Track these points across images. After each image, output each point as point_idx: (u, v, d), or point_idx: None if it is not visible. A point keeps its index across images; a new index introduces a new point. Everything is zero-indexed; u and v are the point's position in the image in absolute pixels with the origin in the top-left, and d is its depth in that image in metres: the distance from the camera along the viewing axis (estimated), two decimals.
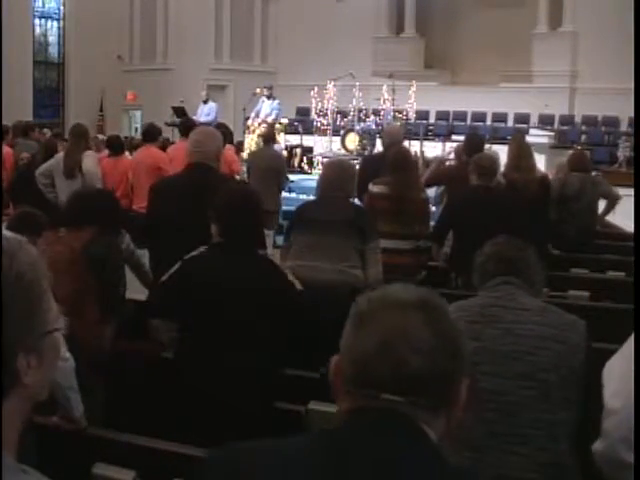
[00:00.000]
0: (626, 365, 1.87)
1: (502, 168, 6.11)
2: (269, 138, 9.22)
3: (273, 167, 8.27)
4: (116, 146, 7.91)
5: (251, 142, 13.85)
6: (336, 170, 4.42)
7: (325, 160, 7.49)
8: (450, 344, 1.18)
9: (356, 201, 6.33)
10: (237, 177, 8.03)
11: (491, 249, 2.64)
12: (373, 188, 5.38)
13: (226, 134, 8.45)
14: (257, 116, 14.39)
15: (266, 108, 14.39)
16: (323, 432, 1.25)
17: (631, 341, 1.94)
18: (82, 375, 2.81)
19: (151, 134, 7.97)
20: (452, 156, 7.11)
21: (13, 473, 1.06)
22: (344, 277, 4.01)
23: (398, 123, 14.81)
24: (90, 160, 6.65)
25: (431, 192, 6.61)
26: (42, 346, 1.10)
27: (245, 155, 11.60)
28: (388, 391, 1.15)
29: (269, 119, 14.04)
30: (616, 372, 1.92)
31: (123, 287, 3.73)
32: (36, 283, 1.10)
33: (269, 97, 14.54)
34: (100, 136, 11.10)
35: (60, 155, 6.85)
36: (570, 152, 7.84)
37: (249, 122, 14.32)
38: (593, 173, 7.27)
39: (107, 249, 3.49)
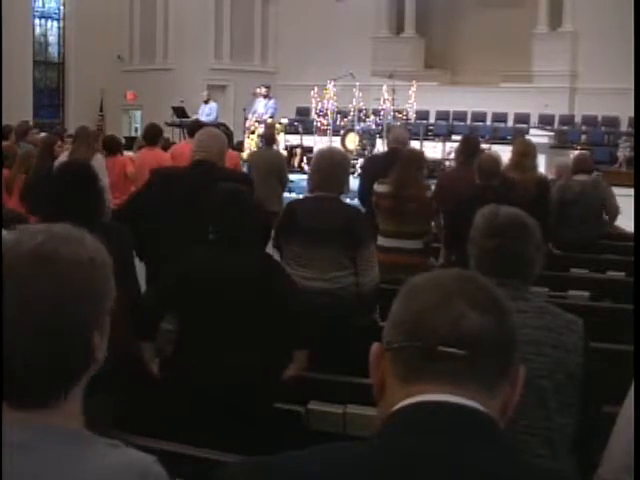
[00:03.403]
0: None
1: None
2: (270, 139, 9.23)
3: (275, 167, 8.28)
4: (112, 146, 7.90)
5: (251, 142, 13.87)
6: (327, 164, 4.14)
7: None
8: (505, 310, 1.13)
9: (350, 200, 6.34)
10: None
11: (489, 244, 2.38)
12: (378, 187, 5.35)
13: (226, 135, 8.45)
14: (254, 116, 14.42)
15: (261, 107, 14.40)
16: (377, 437, 1.07)
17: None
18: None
19: (152, 137, 7.93)
20: (452, 156, 7.11)
21: (100, 444, 1.14)
22: (335, 286, 3.96)
23: (399, 123, 14.82)
24: (98, 164, 6.69)
25: None
26: (106, 322, 1.19)
27: (245, 155, 11.61)
28: (445, 345, 1.06)
29: (264, 117, 14.07)
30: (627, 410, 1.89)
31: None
32: (106, 265, 1.18)
33: (265, 96, 14.55)
34: None
35: (64, 155, 6.89)
36: (571, 153, 7.89)
37: (247, 123, 14.34)
38: (595, 173, 7.25)
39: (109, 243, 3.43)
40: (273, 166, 8.26)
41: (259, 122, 13.75)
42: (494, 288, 1.15)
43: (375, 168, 6.62)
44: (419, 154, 5.85)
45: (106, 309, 1.18)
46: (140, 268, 4.11)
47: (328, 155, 4.30)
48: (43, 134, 10.62)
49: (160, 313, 3.27)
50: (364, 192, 6.39)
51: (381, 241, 5.31)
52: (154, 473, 1.17)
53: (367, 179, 6.49)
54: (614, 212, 6.74)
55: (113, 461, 1.13)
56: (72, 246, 1.14)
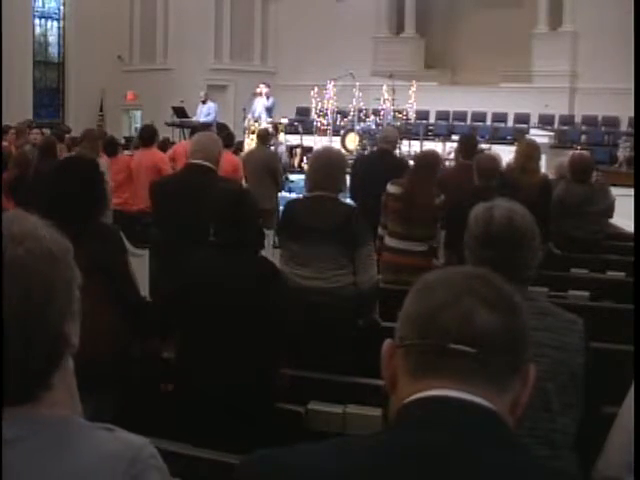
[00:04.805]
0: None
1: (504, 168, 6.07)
2: (264, 137, 9.25)
3: (268, 166, 8.31)
4: (112, 147, 7.91)
5: (251, 142, 13.86)
6: (324, 163, 4.14)
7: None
8: (516, 307, 1.13)
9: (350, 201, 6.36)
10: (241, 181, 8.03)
11: (484, 254, 2.32)
12: (391, 188, 5.35)
13: (228, 136, 8.47)
14: (253, 116, 14.43)
15: (260, 106, 14.39)
16: (378, 434, 1.09)
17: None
18: (91, 373, 2.78)
19: (148, 137, 7.95)
20: (452, 156, 7.11)
21: (90, 430, 1.15)
22: (334, 285, 3.97)
23: (398, 123, 14.81)
24: (102, 166, 6.69)
25: None
26: (77, 307, 1.19)
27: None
28: (456, 342, 1.07)
29: (263, 116, 14.06)
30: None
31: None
32: (67, 252, 1.18)
33: (265, 95, 14.53)
34: None
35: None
36: (570, 154, 7.51)
37: (246, 123, 14.35)
38: (595, 174, 7.12)
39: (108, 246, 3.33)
40: (266, 164, 8.31)
41: (257, 121, 13.74)
42: (505, 286, 1.15)
43: (364, 168, 6.67)
44: (436, 160, 5.73)
45: (74, 296, 1.18)
46: (140, 265, 4.13)
47: (325, 155, 4.31)
48: (45, 130, 10.64)
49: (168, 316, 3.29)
50: (353, 191, 6.44)
51: (388, 241, 5.32)
52: (147, 454, 1.20)
53: (356, 178, 6.54)
54: (611, 215, 6.72)
55: (105, 445, 1.15)
56: (29, 243, 1.13)
